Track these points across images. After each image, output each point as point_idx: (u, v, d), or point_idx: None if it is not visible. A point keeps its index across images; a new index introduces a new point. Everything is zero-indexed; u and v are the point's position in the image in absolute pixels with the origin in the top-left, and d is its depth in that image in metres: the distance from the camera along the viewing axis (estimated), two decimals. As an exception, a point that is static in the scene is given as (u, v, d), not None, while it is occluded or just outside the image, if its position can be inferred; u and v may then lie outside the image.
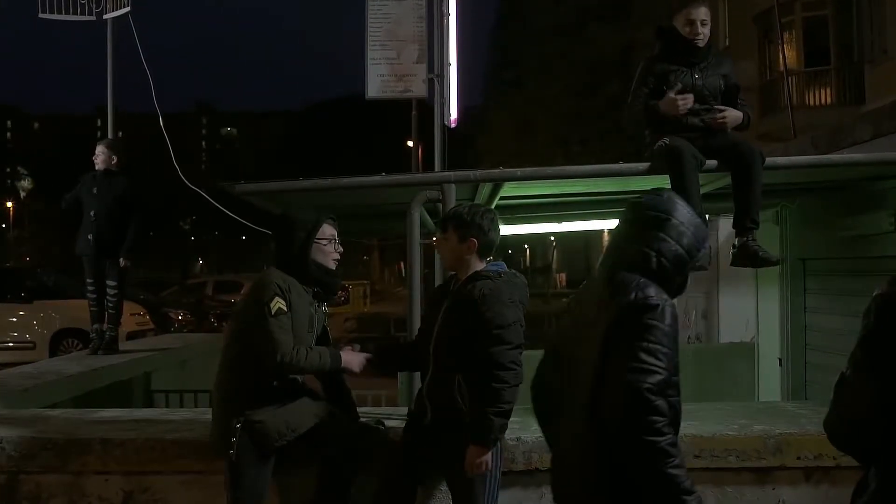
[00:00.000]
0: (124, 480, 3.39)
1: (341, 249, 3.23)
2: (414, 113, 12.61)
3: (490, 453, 2.91)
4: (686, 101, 3.71)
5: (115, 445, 3.38)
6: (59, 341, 12.78)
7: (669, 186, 3.83)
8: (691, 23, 3.79)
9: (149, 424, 3.67)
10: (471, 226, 3.01)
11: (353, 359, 3.17)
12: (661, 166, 3.72)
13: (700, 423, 3.56)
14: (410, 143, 14.34)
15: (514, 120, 26.68)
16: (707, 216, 5.50)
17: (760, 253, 3.79)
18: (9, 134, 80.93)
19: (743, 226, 3.82)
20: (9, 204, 55.66)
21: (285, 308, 2.98)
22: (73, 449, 3.40)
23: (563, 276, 44.00)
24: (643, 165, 3.80)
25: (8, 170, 71.71)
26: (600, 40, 25.58)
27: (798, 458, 3.38)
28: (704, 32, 3.81)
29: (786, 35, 18.31)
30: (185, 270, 51.60)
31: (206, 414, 3.95)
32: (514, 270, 3.13)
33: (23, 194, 56.07)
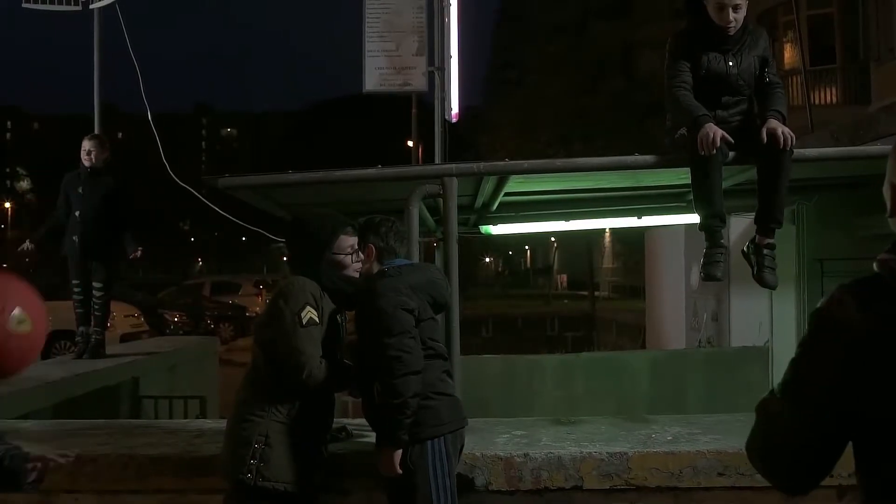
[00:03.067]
0: (96, 500, 3.12)
1: (361, 257, 2.93)
2: (414, 111, 12.41)
3: (399, 456, 2.67)
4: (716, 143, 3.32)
5: (86, 461, 3.10)
6: (52, 343, 12.53)
7: (689, 180, 3.58)
8: (721, 8, 3.37)
9: (126, 437, 3.40)
10: (365, 233, 2.92)
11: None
12: (680, 158, 3.43)
13: (723, 437, 3.29)
14: (411, 144, 14.18)
15: (514, 119, 26.44)
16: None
17: (765, 272, 3.49)
18: (8, 134, 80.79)
19: (766, 226, 3.52)
20: (7, 204, 55.47)
21: (317, 319, 2.70)
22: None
23: (564, 277, 43.80)
24: (659, 157, 3.51)
25: (7, 170, 71.59)
26: (602, 39, 25.36)
27: (830, 475, 3.10)
28: (737, 18, 3.40)
29: (790, 33, 18.08)
30: (185, 271, 51.38)
31: (190, 424, 3.68)
32: (414, 263, 3.03)
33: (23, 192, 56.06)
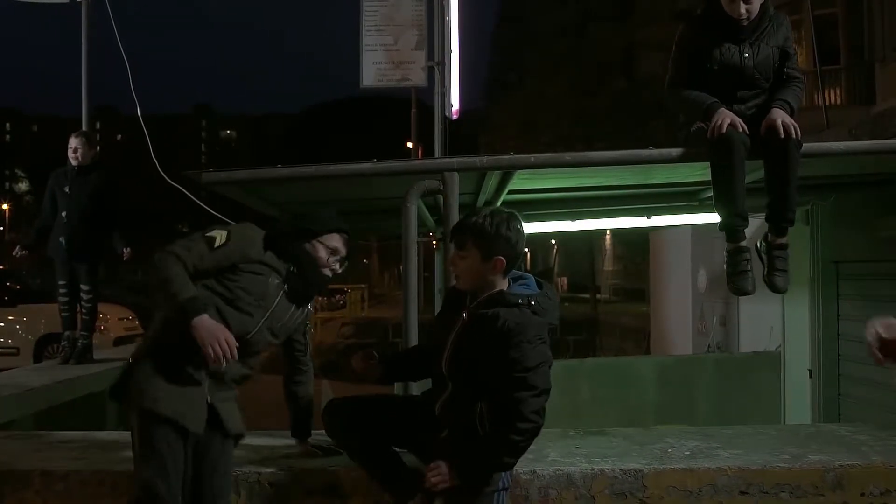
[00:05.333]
0: (68, 520, 2.88)
1: (339, 270, 2.77)
2: (413, 111, 12.24)
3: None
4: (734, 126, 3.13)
5: (56, 478, 2.87)
6: (44, 347, 12.30)
7: (704, 177, 3.35)
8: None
9: (102, 451, 3.16)
10: (496, 239, 2.45)
11: (213, 329, 2.48)
12: (697, 152, 3.21)
13: (744, 451, 3.06)
14: (410, 146, 14.01)
15: (515, 121, 26.28)
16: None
17: (776, 275, 3.21)
18: (8, 136, 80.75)
19: (777, 225, 3.24)
20: (5, 206, 55.24)
21: (222, 240, 2.55)
22: (8, 482, 2.89)
23: (565, 279, 43.51)
24: (676, 151, 3.29)
25: (7, 172, 71.49)
26: (603, 39, 25.21)
27: (862, 493, 2.88)
28: (750, 10, 3.19)
29: (794, 33, 17.87)
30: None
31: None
32: (545, 290, 2.57)
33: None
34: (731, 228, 3.18)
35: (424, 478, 2.43)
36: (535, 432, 2.40)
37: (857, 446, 3.15)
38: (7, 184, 70.72)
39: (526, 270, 2.77)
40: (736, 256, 3.18)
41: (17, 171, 71.18)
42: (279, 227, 2.78)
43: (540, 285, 2.58)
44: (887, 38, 16.65)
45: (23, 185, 69.55)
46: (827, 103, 17.38)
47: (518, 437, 2.38)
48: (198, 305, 2.49)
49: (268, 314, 2.63)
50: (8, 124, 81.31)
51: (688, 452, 3.06)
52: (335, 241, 2.73)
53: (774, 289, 3.28)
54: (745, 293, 3.19)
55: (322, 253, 2.71)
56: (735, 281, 3.17)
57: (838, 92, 17.71)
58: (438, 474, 2.41)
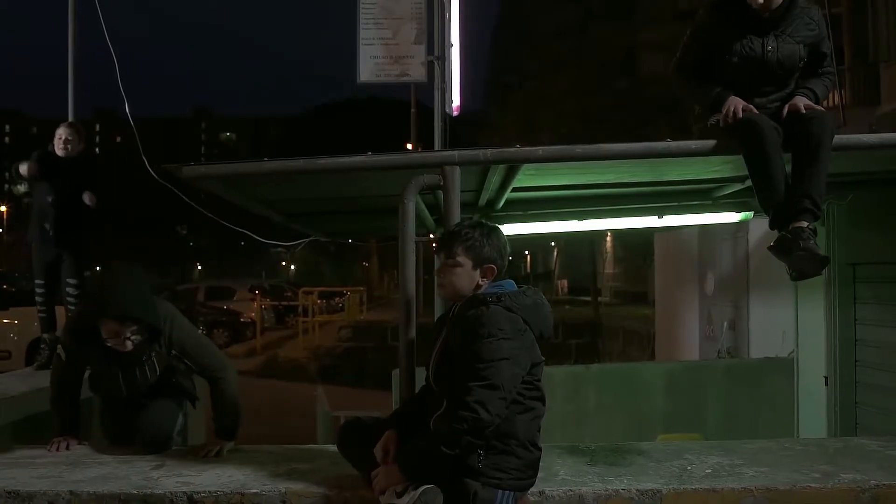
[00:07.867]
0: (32, 545, 2.64)
1: (129, 346, 3.07)
2: (413, 110, 11.97)
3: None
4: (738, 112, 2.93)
5: (21, 499, 2.63)
6: (36, 350, 12.07)
7: (719, 173, 3.12)
8: None
9: (72, 468, 2.92)
10: (486, 248, 2.57)
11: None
12: (722, 145, 2.99)
13: (770, 469, 2.82)
14: (410, 147, 13.79)
15: (515, 122, 26.05)
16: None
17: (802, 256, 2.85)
18: (7, 138, 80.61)
19: (799, 206, 2.84)
20: (3, 208, 55.03)
21: (63, 357, 3.26)
22: (-32, 503, 2.65)
23: (565, 282, 43.30)
24: (696, 144, 3.05)
25: (7, 175, 71.31)
26: (604, 39, 25.04)
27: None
28: (769, 2, 2.95)
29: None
30: (183, 276, 50.91)
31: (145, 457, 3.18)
32: (524, 287, 2.59)
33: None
34: (780, 222, 2.92)
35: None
36: (474, 424, 2.29)
37: (892, 463, 2.91)
38: (6, 185, 70.51)
39: (526, 273, 2.66)
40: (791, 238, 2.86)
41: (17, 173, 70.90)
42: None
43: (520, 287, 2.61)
44: (892, 38, 16.45)
45: (21, 187, 69.32)
46: (832, 103, 17.18)
47: (456, 425, 2.30)
48: (63, 429, 3.35)
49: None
50: (7, 126, 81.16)
51: (709, 470, 2.82)
52: (107, 326, 3.02)
53: (802, 274, 2.98)
54: (804, 276, 2.94)
55: (105, 336, 3.06)
56: (792, 263, 2.91)
57: (842, 92, 17.53)
58: (382, 480, 2.41)
